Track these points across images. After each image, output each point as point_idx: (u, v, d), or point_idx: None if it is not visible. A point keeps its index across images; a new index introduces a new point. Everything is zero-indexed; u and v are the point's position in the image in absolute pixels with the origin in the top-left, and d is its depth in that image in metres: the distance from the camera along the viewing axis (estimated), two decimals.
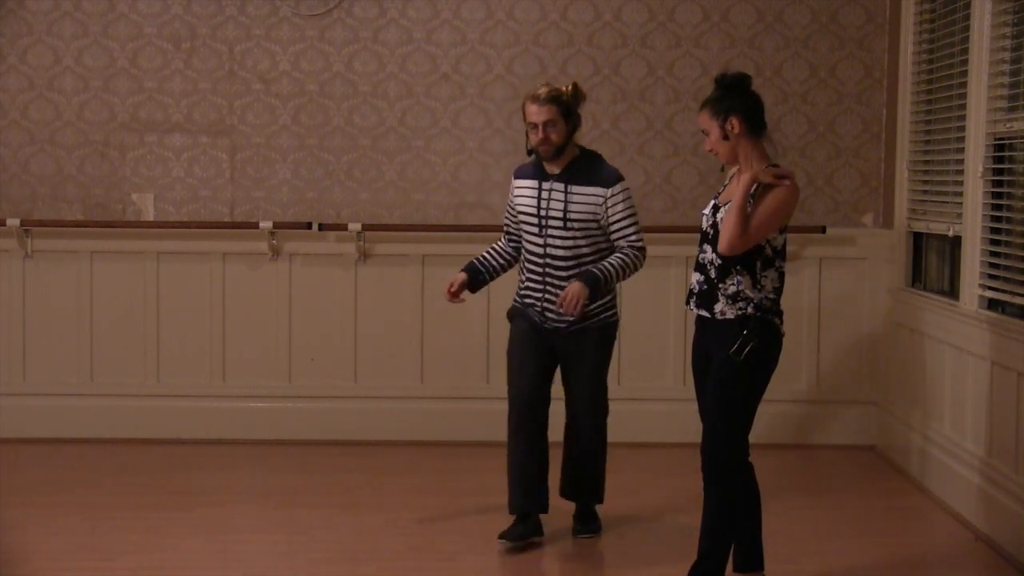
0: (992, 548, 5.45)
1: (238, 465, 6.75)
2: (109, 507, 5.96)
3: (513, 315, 5.48)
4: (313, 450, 7.03)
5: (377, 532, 5.62)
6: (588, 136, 7.10)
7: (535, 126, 5.23)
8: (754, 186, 4.54)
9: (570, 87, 5.30)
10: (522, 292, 5.44)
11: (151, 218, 7.22)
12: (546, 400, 5.39)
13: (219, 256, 7.20)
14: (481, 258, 5.57)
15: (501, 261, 5.58)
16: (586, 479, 5.52)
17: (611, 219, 5.28)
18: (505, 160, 7.10)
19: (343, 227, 7.11)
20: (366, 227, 7.11)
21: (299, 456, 6.92)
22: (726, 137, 4.63)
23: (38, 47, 7.19)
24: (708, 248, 4.67)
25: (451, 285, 5.47)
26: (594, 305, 5.30)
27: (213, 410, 7.21)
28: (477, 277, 5.53)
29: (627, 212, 5.29)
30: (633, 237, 5.30)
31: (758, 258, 4.58)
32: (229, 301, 7.21)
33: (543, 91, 5.25)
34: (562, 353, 5.40)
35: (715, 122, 4.62)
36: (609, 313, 5.40)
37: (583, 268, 5.27)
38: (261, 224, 7.10)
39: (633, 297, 7.10)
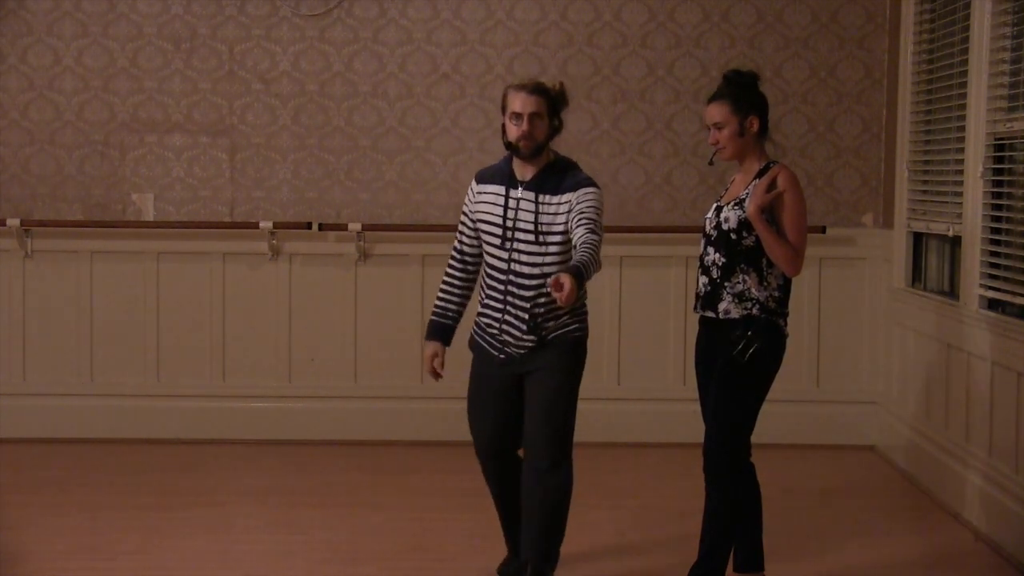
0: (992, 548, 5.45)
1: (238, 465, 6.75)
2: (109, 507, 5.96)
3: (473, 346, 4.90)
4: (313, 450, 7.03)
5: (377, 532, 5.62)
6: (588, 136, 7.10)
7: (518, 117, 4.63)
8: (767, 208, 4.54)
9: (558, 84, 4.75)
10: (481, 312, 4.83)
11: (151, 218, 7.22)
12: (515, 442, 4.85)
13: (219, 256, 7.20)
14: (440, 311, 4.93)
15: (460, 300, 4.95)
16: (538, 534, 4.76)
17: (575, 219, 4.58)
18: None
19: (343, 227, 7.11)
20: (366, 227, 7.10)
21: (299, 456, 6.92)
22: (741, 134, 4.63)
23: (38, 47, 7.19)
24: (711, 250, 4.66)
25: (433, 367, 4.88)
26: (556, 319, 4.71)
27: (213, 410, 7.21)
28: (448, 335, 4.93)
29: (593, 214, 4.57)
30: (592, 234, 4.51)
31: (764, 255, 4.58)
32: (229, 301, 7.21)
33: (531, 81, 4.73)
34: (526, 378, 4.76)
35: (736, 118, 4.61)
36: (574, 327, 4.74)
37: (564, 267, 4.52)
38: (261, 224, 7.10)
39: (633, 297, 7.10)
